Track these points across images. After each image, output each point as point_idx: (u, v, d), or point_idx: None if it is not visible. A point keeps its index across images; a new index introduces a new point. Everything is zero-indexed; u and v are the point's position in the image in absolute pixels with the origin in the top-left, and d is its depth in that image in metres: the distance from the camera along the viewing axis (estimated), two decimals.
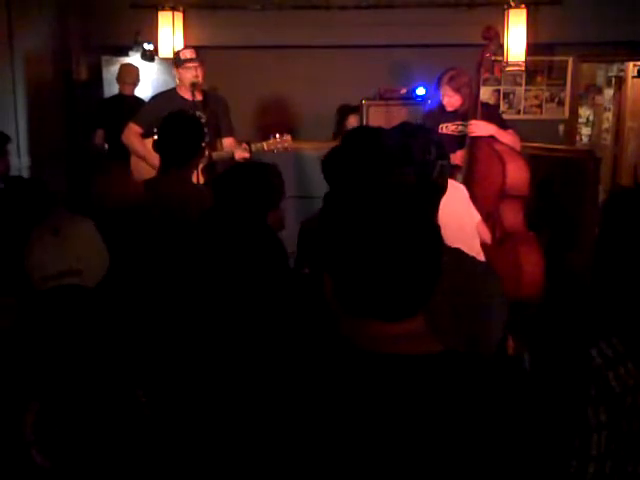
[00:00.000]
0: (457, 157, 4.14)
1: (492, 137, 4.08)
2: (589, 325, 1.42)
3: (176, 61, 4.32)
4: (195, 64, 4.20)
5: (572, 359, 1.37)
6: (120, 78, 5.69)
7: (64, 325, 1.63)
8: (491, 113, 4.29)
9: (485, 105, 4.34)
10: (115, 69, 5.85)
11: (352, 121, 5.63)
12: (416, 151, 1.60)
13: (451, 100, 4.21)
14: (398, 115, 5.77)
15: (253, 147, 4.13)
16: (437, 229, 1.14)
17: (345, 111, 5.82)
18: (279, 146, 4.05)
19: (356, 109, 5.65)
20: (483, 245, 3.85)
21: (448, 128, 4.29)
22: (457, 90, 4.20)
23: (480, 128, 4.03)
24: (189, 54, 4.26)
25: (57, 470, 1.47)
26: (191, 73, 4.17)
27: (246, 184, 2.28)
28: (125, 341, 1.64)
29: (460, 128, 4.25)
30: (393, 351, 1.08)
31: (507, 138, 4.13)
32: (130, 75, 5.70)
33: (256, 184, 2.29)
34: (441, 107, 4.36)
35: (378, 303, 1.09)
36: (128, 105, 5.19)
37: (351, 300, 1.10)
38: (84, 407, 1.51)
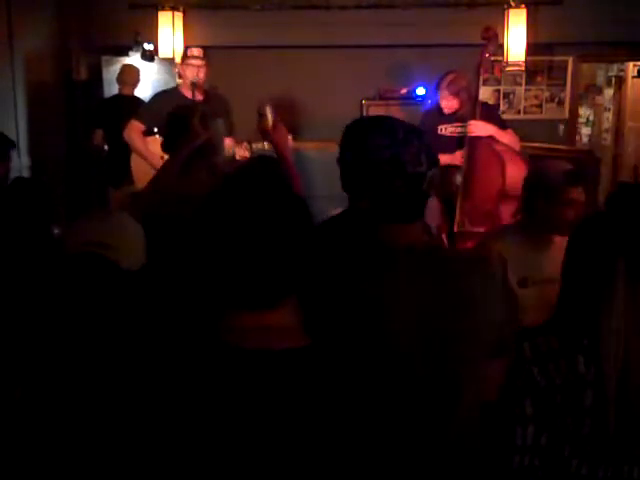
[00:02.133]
0: (457, 157, 4.14)
1: (491, 137, 4.09)
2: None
3: (182, 57, 4.35)
4: (198, 62, 4.22)
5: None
6: (120, 78, 5.69)
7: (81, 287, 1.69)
8: (490, 113, 4.30)
9: (484, 105, 4.35)
10: (115, 69, 5.85)
11: None
12: (407, 163, 1.47)
13: (449, 103, 4.26)
14: (398, 115, 5.78)
15: (254, 146, 4.13)
16: (305, 223, 1.14)
17: None
18: None
19: None
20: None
21: (447, 129, 4.30)
22: (455, 95, 4.24)
23: (479, 128, 4.04)
24: (195, 52, 4.28)
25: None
26: (192, 71, 4.19)
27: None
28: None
29: (459, 130, 4.26)
30: (260, 346, 1.08)
31: (506, 138, 4.14)
32: (130, 75, 5.71)
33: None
34: (439, 108, 4.37)
35: (241, 290, 1.10)
36: (127, 105, 5.19)
37: (217, 289, 1.12)
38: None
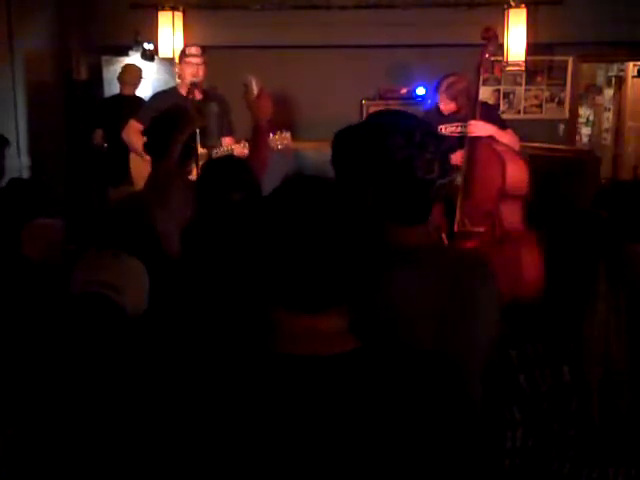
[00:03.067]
0: (457, 157, 4.14)
1: (491, 137, 4.09)
2: (526, 327, 1.45)
3: (180, 55, 4.34)
4: (197, 61, 4.21)
5: (498, 358, 1.39)
6: (121, 78, 5.69)
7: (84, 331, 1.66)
8: (490, 113, 4.30)
9: (484, 105, 4.35)
10: (115, 69, 5.85)
11: None
12: (418, 169, 1.42)
13: (447, 107, 4.29)
14: None
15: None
16: (365, 230, 1.12)
17: None
18: (279, 143, 4.03)
19: None
20: (483, 244, 3.87)
21: (447, 129, 4.30)
22: (453, 99, 4.27)
23: (479, 128, 4.04)
24: (194, 50, 4.28)
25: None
26: (192, 69, 4.18)
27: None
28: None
29: (460, 129, 4.27)
30: (311, 352, 1.07)
31: (506, 138, 4.14)
32: (131, 75, 5.70)
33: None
34: (439, 109, 4.38)
35: (297, 289, 1.08)
36: (128, 105, 5.19)
37: (274, 287, 1.10)
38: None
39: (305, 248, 1.06)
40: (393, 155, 1.43)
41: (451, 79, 4.27)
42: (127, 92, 5.66)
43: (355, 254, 1.09)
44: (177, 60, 4.47)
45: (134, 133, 4.27)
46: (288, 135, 4.07)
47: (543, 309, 1.45)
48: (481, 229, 3.89)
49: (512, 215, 3.96)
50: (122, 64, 5.89)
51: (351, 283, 1.10)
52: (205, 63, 4.25)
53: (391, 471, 1.02)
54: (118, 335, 1.69)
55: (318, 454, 1.01)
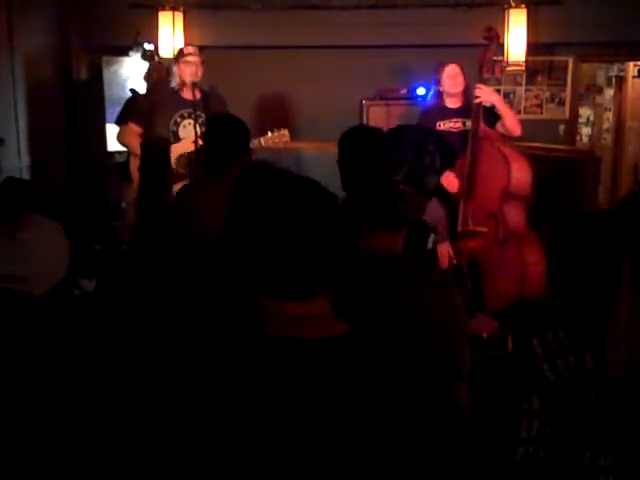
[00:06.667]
0: (451, 182, 4.05)
1: (494, 137, 4.09)
2: (546, 317, 1.46)
3: (177, 56, 4.33)
4: (195, 60, 4.21)
5: (519, 348, 1.40)
6: (146, 79, 5.65)
7: None
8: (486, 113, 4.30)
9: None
10: (115, 69, 5.84)
11: None
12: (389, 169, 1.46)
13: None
14: (398, 115, 5.79)
15: (250, 144, 4.11)
16: (336, 217, 1.15)
17: None
18: (277, 141, 4.01)
19: None
20: (486, 244, 3.86)
21: (446, 125, 4.28)
22: (457, 93, 4.25)
23: (485, 93, 4.04)
24: (191, 49, 4.28)
25: None
26: (190, 69, 4.18)
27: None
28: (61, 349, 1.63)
29: (458, 125, 4.25)
30: (296, 334, 1.09)
31: (510, 114, 4.16)
32: (152, 76, 5.66)
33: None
34: (440, 105, 4.37)
35: (282, 280, 1.11)
36: None
37: (259, 276, 1.12)
38: None
39: (286, 238, 1.09)
40: (363, 157, 1.50)
41: (450, 70, 4.27)
42: None
43: (334, 241, 1.13)
44: (174, 61, 4.47)
45: (132, 136, 4.26)
46: (286, 132, 4.03)
47: (564, 298, 1.46)
48: (484, 229, 3.89)
49: (515, 215, 3.96)
50: (122, 64, 5.87)
51: (332, 269, 1.13)
52: (203, 62, 4.25)
53: (374, 455, 1.03)
54: (25, 325, 1.64)
55: (304, 433, 1.02)
